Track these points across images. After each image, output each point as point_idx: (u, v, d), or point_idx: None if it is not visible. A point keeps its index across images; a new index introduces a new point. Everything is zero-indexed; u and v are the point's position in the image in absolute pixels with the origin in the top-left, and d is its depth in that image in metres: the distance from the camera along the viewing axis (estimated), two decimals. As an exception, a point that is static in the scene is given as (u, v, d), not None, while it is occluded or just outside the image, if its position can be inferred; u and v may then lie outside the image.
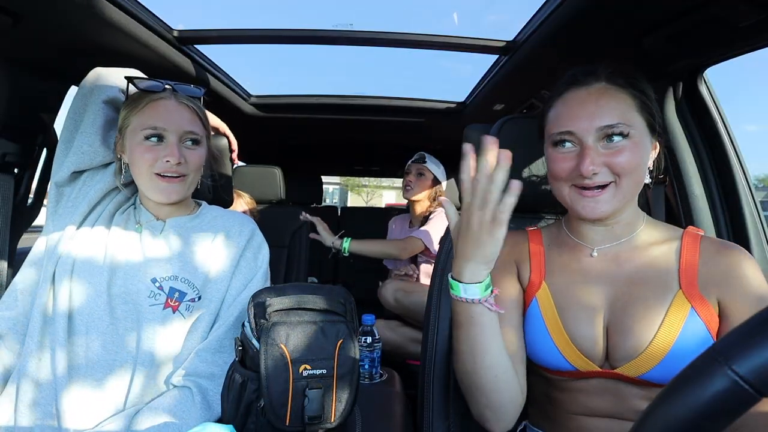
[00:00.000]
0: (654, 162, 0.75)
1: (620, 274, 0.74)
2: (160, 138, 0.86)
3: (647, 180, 0.74)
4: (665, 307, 0.68)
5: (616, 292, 0.73)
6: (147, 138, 0.85)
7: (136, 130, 0.86)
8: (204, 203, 1.01)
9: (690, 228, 0.76)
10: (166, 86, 0.89)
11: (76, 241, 0.85)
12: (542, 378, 0.77)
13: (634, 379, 0.68)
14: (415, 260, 2.15)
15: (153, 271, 0.85)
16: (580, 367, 0.71)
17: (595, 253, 0.76)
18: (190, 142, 0.88)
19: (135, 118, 0.86)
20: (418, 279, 2.08)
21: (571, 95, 0.73)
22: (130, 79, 0.89)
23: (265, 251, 0.97)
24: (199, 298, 0.86)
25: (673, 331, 0.66)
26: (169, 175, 0.86)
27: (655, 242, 0.75)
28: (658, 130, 0.74)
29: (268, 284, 0.94)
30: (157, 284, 0.84)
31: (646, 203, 0.77)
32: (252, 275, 0.92)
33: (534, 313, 0.76)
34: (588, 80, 0.72)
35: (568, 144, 0.72)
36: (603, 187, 0.70)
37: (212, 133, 1.10)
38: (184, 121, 0.87)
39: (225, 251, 0.92)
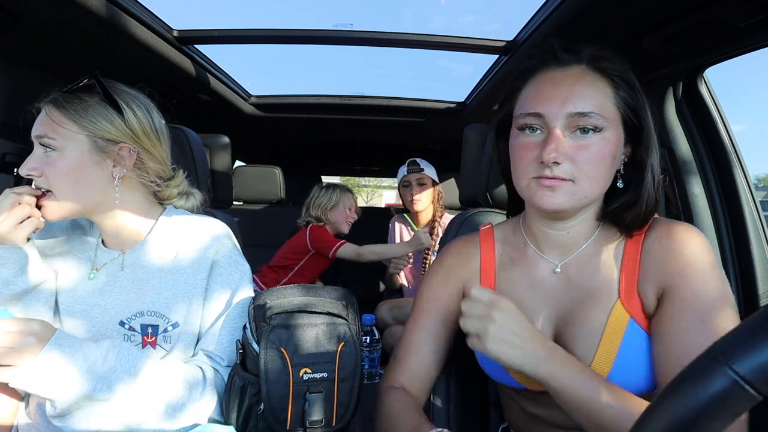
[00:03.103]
0: (621, 164, 0.66)
1: (568, 290, 0.69)
2: None
3: (619, 184, 0.67)
4: (603, 322, 0.64)
5: (560, 311, 0.69)
6: None
7: None
8: (169, 208, 0.87)
9: None
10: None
11: (51, 292, 0.80)
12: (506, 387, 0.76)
13: None
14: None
15: (119, 314, 0.78)
16: (531, 387, 0.69)
17: (558, 269, 0.70)
18: (44, 150, 0.76)
19: None
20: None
21: (546, 75, 0.64)
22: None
23: (237, 258, 0.86)
24: (175, 325, 0.79)
25: (613, 347, 0.63)
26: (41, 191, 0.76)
27: (604, 247, 0.69)
28: (646, 131, 0.64)
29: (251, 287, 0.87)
30: (127, 326, 0.77)
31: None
32: (234, 286, 0.83)
33: None
34: (567, 60, 0.64)
35: (535, 129, 0.63)
36: (562, 181, 0.62)
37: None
38: (37, 127, 0.75)
39: (189, 268, 0.81)
